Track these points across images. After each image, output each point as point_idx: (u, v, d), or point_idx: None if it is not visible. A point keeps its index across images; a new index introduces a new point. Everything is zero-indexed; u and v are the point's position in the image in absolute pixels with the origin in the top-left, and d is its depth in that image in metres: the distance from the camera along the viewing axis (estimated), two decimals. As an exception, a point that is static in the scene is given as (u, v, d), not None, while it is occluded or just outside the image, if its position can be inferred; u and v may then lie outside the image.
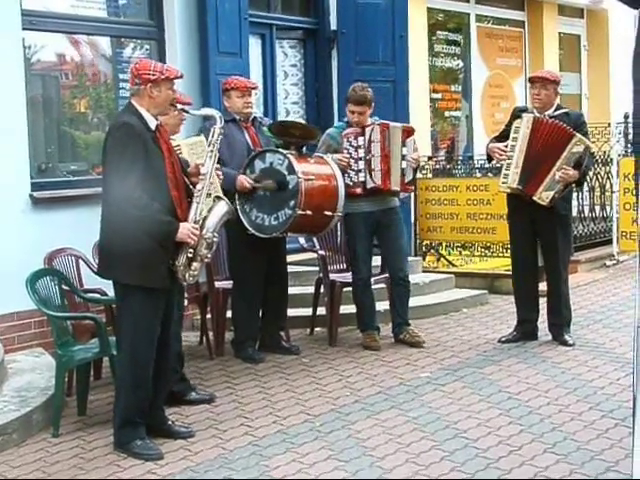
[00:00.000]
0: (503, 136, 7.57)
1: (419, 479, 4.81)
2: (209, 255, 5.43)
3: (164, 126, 5.47)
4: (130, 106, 5.31)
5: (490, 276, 10.00)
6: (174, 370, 5.91)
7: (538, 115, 7.34)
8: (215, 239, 5.42)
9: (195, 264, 5.33)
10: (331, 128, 7.77)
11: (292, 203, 6.84)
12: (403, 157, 7.44)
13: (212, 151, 5.47)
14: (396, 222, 7.65)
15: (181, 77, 5.49)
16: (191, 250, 5.27)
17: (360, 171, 7.41)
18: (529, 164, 7.24)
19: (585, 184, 11.00)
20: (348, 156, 7.38)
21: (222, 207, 5.49)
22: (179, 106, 5.64)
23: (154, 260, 5.15)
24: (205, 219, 5.36)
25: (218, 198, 5.53)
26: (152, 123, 5.25)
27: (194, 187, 5.38)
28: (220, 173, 6.13)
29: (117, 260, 5.14)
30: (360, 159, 7.41)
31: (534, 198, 7.22)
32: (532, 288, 7.65)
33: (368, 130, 7.41)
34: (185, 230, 5.21)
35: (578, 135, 7.20)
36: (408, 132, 7.53)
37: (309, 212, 6.84)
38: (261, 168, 7.01)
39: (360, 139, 7.42)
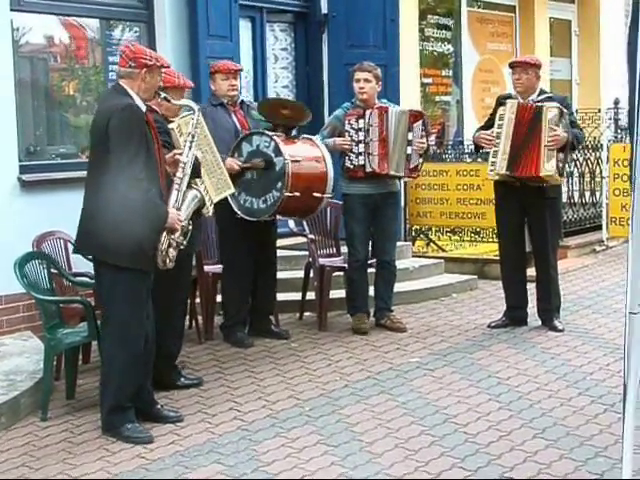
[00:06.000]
0: (488, 125, 7.55)
1: None
2: (184, 242, 5.41)
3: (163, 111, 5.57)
4: (120, 88, 5.21)
5: (480, 261, 10.02)
6: (175, 345, 6.09)
7: (522, 101, 7.33)
8: (190, 227, 5.46)
9: (171, 250, 5.31)
10: (338, 109, 7.67)
11: (279, 185, 6.82)
12: (409, 142, 7.40)
13: (192, 141, 5.46)
14: (393, 207, 7.68)
15: (169, 67, 5.62)
16: (172, 237, 5.26)
17: (360, 154, 7.37)
18: (516, 149, 7.23)
19: (575, 170, 11.05)
20: (349, 140, 7.36)
21: (191, 194, 5.50)
22: (162, 94, 5.55)
23: (148, 243, 5.13)
24: (180, 207, 5.38)
25: (188, 187, 5.51)
26: (142, 107, 5.21)
27: (172, 175, 5.39)
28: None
29: (110, 241, 5.04)
30: (360, 142, 7.37)
31: (541, 175, 7.17)
32: (520, 274, 7.65)
33: (367, 113, 7.38)
34: (173, 216, 5.21)
35: (544, 104, 7.22)
36: (415, 117, 7.47)
37: (297, 194, 6.82)
38: (248, 151, 6.98)
39: (361, 121, 7.38)
